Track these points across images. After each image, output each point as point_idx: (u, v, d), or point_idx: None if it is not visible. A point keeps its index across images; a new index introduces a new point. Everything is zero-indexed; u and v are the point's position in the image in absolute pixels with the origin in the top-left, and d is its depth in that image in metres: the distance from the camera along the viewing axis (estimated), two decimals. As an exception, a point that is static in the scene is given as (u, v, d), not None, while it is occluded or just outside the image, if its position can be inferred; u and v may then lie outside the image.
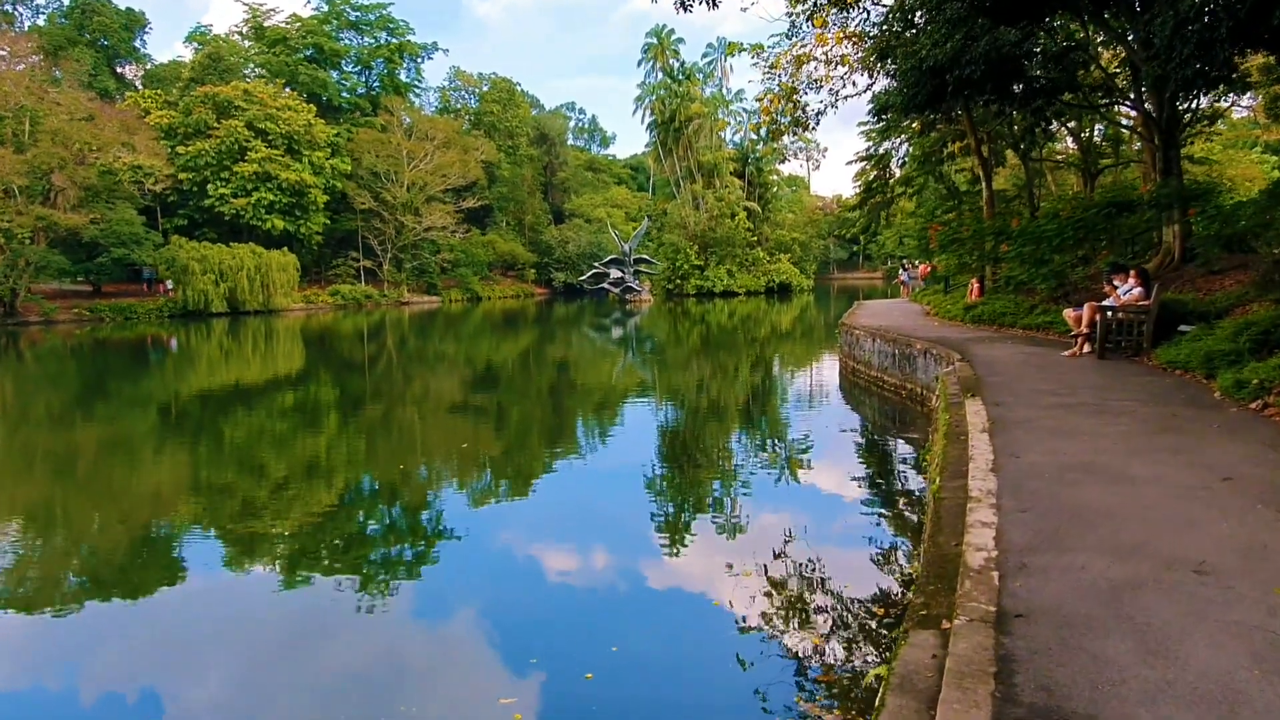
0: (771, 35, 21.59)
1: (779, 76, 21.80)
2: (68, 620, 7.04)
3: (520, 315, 56.77)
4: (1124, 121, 27.12)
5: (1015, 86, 16.58)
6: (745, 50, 22.63)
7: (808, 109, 21.42)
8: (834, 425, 14.94)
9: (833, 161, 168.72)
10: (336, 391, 22.47)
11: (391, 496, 11.17)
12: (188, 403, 20.63)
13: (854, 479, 10.69)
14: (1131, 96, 19.40)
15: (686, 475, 11.82)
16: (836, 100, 20.92)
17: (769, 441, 14.17)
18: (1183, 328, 11.56)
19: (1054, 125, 29.46)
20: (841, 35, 19.28)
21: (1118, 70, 22.90)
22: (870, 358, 17.61)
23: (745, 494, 10.37)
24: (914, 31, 17.66)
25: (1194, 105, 22.54)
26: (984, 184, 22.76)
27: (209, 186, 57.59)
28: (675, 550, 8.31)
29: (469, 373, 26.21)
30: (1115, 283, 12.45)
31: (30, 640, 6.72)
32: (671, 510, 10.06)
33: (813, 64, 21.17)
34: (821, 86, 20.94)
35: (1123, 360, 11.58)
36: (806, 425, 15.18)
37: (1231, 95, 27.50)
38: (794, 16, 20.28)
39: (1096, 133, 31.79)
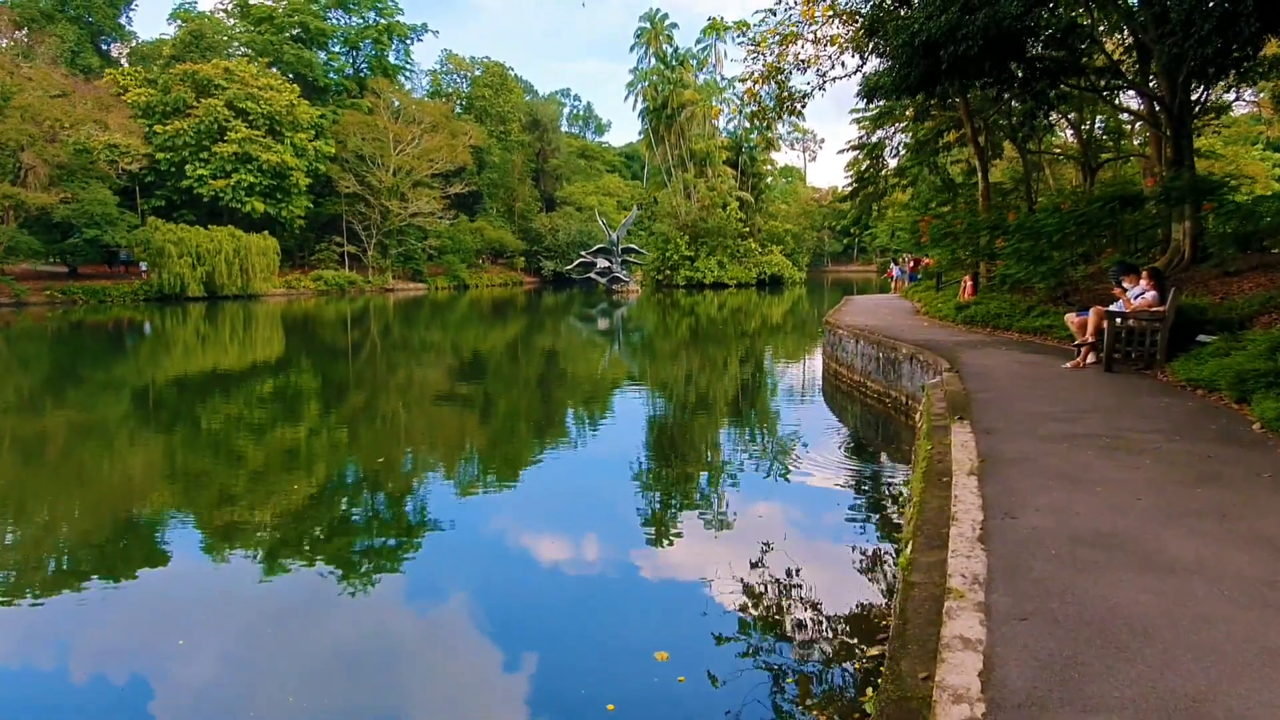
0: (756, 11, 20.24)
1: (764, 56, 20.36)
2: (49, 607, 6.94)
3: (505, 304, 55.47)
4: (1128, 112, 25.89)
5: (1015, 67, 15.21)
6: (730, 29, 21.07)
7: (794, 90, 19.98)
8: (810, 434, 13.58)
9: (830, 153, 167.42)
10: (317, 380, 21.90)
11: (375, 486, 11.10)
12: (161, 390, 19.99)
13: (819, 508, 9.36)
14: (1139, 82, 18.06)
15: (636, 495, 10.59)
16: (825, 82, 19.49)
17: (734, 457, 12.81)
18: (1201, 337, 10.25)
19: (1054, 116, 28.21)
20: (830, 10, 17.87)
21: (1123, 58, 21.59)
22: (853, 360, 16.27)
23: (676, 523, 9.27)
24: (907, 9, 16.29)
25: (1206, 92, 21.25)
26: (980, 175, 21.38)
27: (187, 167, 56.10)
28: (644, 546, 8.34)
29: (448, 362, 25.47)
30: (1124, 285, 11.09)
31: (11, 627, 6.64)
32: (628, 516, 9.50)
33: (800, 44, 19.78)
34: (808, 67, 19.54)
35: (1133, 374, 10.23)
36: (779, 436, 13.86)
37: (1237, 88, 26.30)
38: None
39: (1097, 125, 30.53)
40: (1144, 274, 11.07)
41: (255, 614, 6.77)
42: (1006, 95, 18.16)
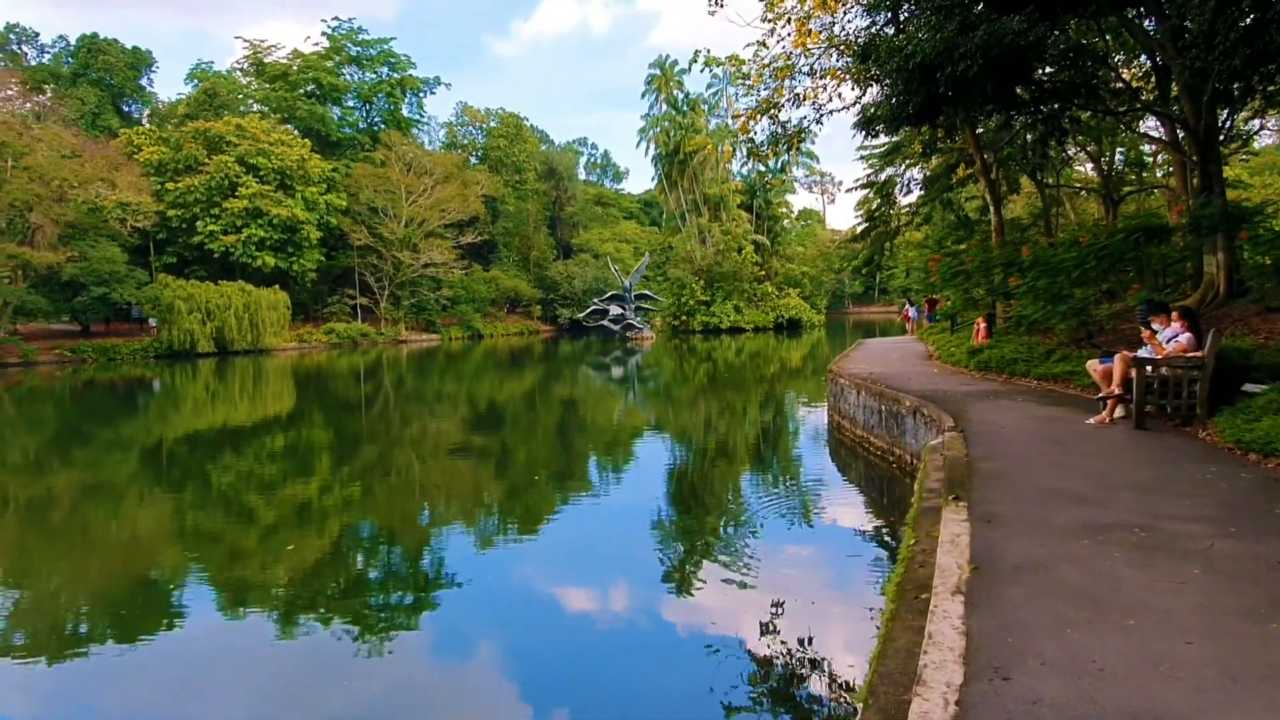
0: (747, 44, 19.22)
1: (758, 91, 19.33)
2: (64, 668, 6.97)
3: (519, 353, 54.48)
4: (1150, 139, 24.56)
5: (1021, 90, 13.96)
6: (722, 64, 20.05)
7: (788, 125, 18.85)
8: (812, 496, 12.19)
9: (849, 195, 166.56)
10: (330, 434, 21.59)
11: (392, 540, 11.16)
12: (172, 448, 19.64)
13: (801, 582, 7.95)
14: (1159, 106, 16.76)
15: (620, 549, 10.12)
16: (821, 115, 18.38)
17: (725, 520, 11.38)
18: (1248, 387, 8.74)
19: (1070, 147, 26.96)
20: (819, 38, 16.81)
21: (1140, 84, 20.34)
22: (855, 413, 14.80)
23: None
24: (902, 35, 15.15)
25: (1231, 118, 19.91)
26: (993, 210, 20.03)
27: (198, 223, 56.04)
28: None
29: (462, 413, 24.99)
30: (1154, 326, 9.63)
31: (30, 688, 6.66)
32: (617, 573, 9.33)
33: (795, 76, 18.74)
34: (804, 101, 18.44)
35: (1170, 433, 8.71)
36: (774, 498, 12.42)
37: (1263, 113, 24.89)
38: (771, 22, 17.87)
39: (1118, 157, 29.23)
40: (1175, 314, 9.61)
41: (274, 672, 6.77)
42: (1015, 123, 16.87)
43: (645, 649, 7.03)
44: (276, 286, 57.29)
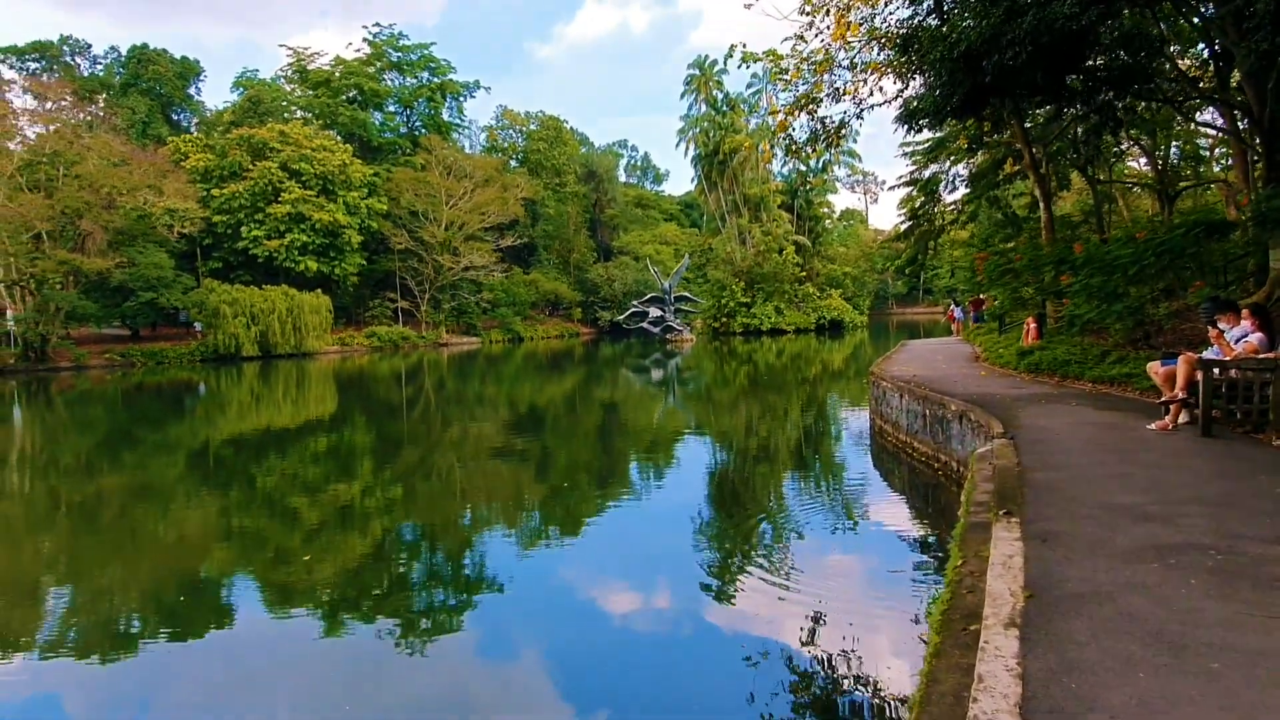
0: (785, 39, 18.86)
1: (796, 87, 18.80)
2: (120, 666, 7.14)
3: (558, 356, 54.44)
4: (1210, 128, 23.55)
5: (1072, 78, 13.29)
6: (760, 59, 19.53)
7: (827, 121, 18.29)
8: (853, 503, 11.73)
9: (892, 194, 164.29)
10: (372, 436, 21.83)
11: (435, 542, 11.28)
12: (218, 450, 20.06)
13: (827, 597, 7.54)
14: (1219, 94, 15.93)
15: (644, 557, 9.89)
16: (861, 110, 17.79)
17: (764, 527, 10.94)
18: (1327, 391, 8.09)
19: (1123, 141, 25.97)
20: (858, 30, 16.25)
21: (1199, 74, 19.42)
22: (898, 417, 14.24)
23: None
24: (945, 25, 14.55)
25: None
26: (1042, 206, 19.25)
27: (243, 229, 56.92)
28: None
29: (503, 416, 25.21)
30: (1221, 325, 8.98)
31: (83, 685, 6.81)
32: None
33: (835, 70, 18.19)
34: (844, 96, 17.88)
35: (1239, 440, 8.09)
36: (813, 506, 11.93)
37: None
38: (810, 14, 17.34)
39: (1172, 151, 28.09)
40: (1244, 313, 8.95)
41: (320, 671, 6.87)
42: (1067, 114, 16.16)
43: (684, 653, 6.97)
44: (319, 290, 57.96)
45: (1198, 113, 22.34)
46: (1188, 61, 20.50)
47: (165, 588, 9.48)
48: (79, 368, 48.20)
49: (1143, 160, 32.26)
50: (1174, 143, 27.81)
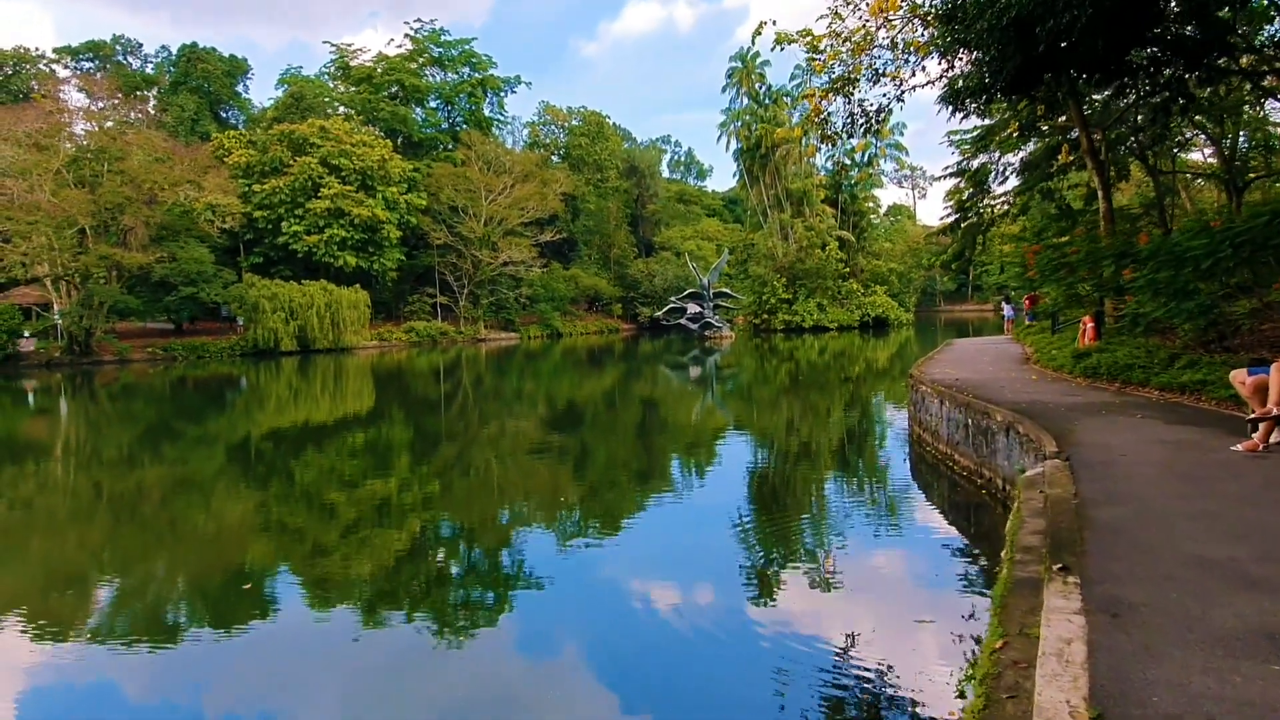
0: (820, 16, 17.69)
1: (832, 68, 17.55)
2: (161, 656, 7.23)
3: (596, 352, 53.69)
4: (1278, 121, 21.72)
5: (1135, 51, 11.87)
6: (794, 40, 18.24)
7: (865, 104, 17.00)
8: (885, 524, 10.59)
9: (940, 186, 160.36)
10: (410, 432, 21.92)
11: (473, 538, 11.23)
12: (258, 444, 20.29)
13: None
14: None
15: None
16: (902, 92, 16.48)
17: (796, 541, 9.87)
18: None
19: (1188, 129, 24.17)
20: (896, 4, 14.96)
21: (1273, 52, 17.69)
22: (938, 426, 12.94)
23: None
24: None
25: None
26: (1101, 195, 17.69)
27: (283, 224, 57.08)
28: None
29: (541, 412, 25.12)
30: (1319, 328, 7.62)
31: (126, 675, 6.90)
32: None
33: (874, 50, 16.91)
34: (882, 76, 16.59)
35: (1347, 465, 6.78)
36: (841, 526, 10.78)
37: None
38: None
39: (1240, 139, 26.11)
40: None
41: (358, 665, 6.89)
42: (1130, 93, 14.66)
43: (721, 654, 6.88)
44: (358, 285, 57.93)
45: (1269, 100, 20.57)
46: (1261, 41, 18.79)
47: (206, 579, 9.65)
48: (122, 361, 48.69)
49: (1208, 150, 30.23)
50: (1242, 131, 25.89)
